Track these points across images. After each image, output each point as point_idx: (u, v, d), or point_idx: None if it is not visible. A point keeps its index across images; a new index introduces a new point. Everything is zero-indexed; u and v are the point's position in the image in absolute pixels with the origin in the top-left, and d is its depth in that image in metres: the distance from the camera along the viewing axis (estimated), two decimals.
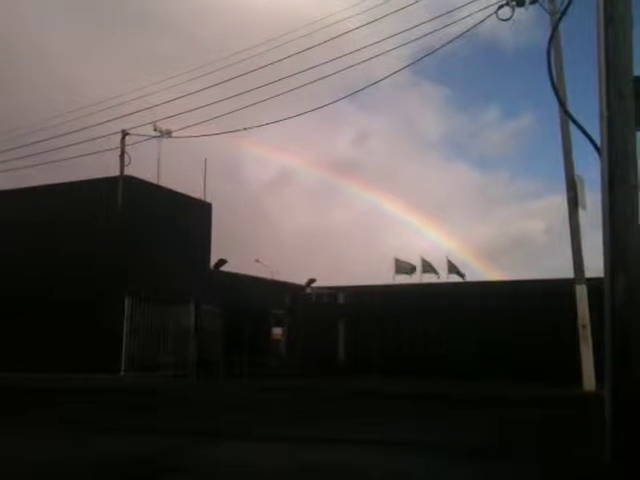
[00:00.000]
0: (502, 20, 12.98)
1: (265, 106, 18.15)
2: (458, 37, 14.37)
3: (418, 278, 31.80)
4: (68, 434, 8.31)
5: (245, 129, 19.41)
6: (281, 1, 54.00)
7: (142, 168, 24.18)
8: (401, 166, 67.14)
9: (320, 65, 16.34)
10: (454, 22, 14.46)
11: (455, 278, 31.12)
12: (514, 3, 13.06)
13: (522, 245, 61.25)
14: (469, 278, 31.20)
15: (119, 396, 14.84)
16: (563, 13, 7.28)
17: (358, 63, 16.27)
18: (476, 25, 14.08)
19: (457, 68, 64.42)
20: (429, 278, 31.47)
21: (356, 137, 68.27)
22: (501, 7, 13.02)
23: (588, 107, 5.86)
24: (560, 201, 13.98)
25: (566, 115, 12.16)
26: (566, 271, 13.90)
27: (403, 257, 32.97)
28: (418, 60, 16.90)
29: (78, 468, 5.91)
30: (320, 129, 64.98)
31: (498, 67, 68.06)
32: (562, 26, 13.99)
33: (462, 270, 31.91)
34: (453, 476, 5.70)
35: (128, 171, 22.89)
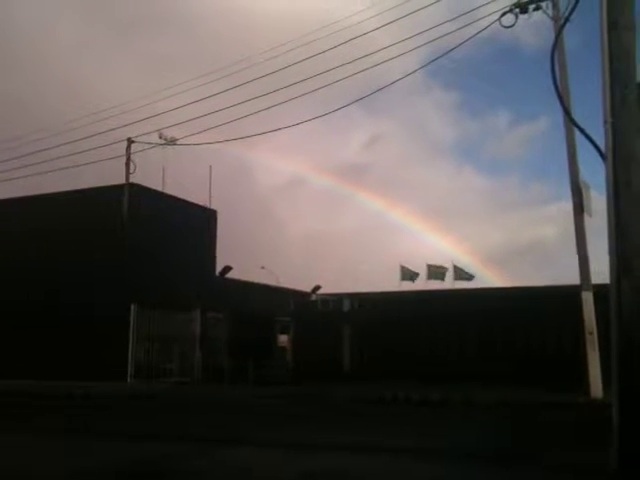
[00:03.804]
0: (505, 27, 12.96)
1: (276, 112, 18.22)
2: (461, 44, 14.38)
3: (423, 285, 31.80)
4: (78, 440, 8.34)
5: (246, 137, 19.45)
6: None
7: (152, 176, 24.25)
8: (410, 171, 67.23)
9: (332, 70, 16.39)
10: (465, 26, 14.41)
11: (461, 284, 31.08)
12: (517, 10, 13.03)
13: (535, 251, 60.87)
14: (477, 285, 31.08)
15: (127, 403, 14.85)
16: (566, 19, 7.31)
17: (368, 68, 16.29)
18: (478, 33, 14.09)
19: (469, 72, 64.43)
20: (434, 284, 31.49)
21: (366, 142, 68.40)
22: (504, 14, 12.98)
23: (595, 113, 5.87)
24: (572, 206, 13.86)
25: (570, 121, 12.16)
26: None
27: (411, 264, 32.97)
28: (428, 64, 16.93)
29: (90, 470, 5.93)
30: (331, 134, 65.14)
31: (511, 71, 67.94)
32: (567, 31, 13.97)
33: (469, 277, 31.82)
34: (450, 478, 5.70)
35: (134, 179, 22.95)
